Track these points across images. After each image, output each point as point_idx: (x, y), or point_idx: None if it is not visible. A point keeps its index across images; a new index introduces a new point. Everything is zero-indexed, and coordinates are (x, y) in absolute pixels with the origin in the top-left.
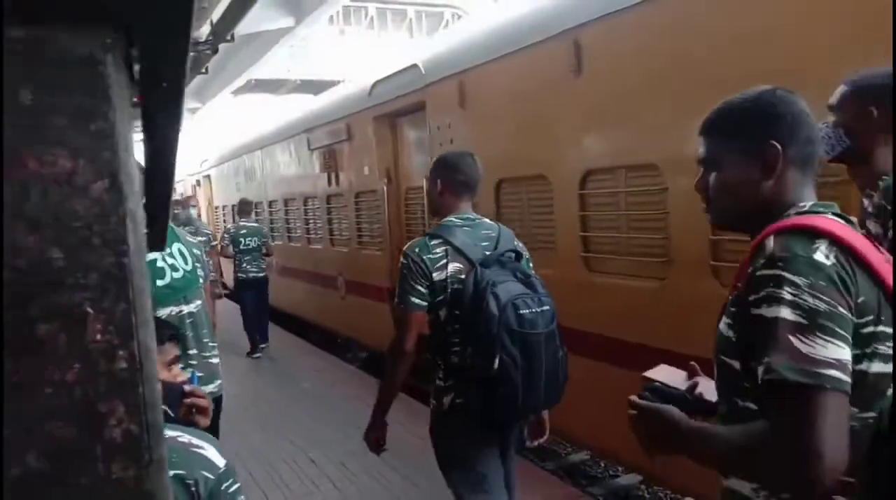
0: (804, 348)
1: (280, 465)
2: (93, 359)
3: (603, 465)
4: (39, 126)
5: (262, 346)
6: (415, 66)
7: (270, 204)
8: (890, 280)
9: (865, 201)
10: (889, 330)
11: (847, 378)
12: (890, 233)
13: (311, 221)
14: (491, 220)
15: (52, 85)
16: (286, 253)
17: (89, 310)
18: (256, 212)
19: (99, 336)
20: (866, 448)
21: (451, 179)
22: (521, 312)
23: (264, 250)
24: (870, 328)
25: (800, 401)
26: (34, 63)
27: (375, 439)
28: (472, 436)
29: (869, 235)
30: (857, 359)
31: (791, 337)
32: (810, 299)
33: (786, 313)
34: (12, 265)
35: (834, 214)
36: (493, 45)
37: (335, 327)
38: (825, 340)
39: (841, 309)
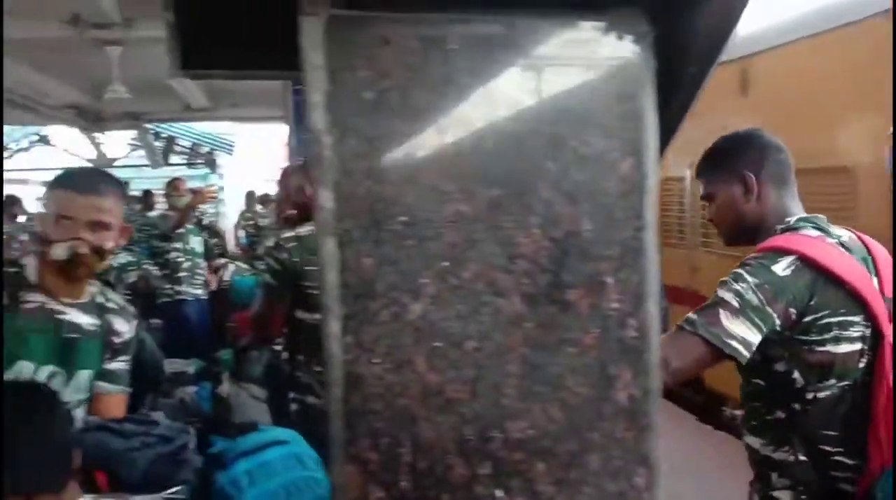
0: (726, 323)
1: None
2: (608, 325)
3: None
4: (578, 108)
5: None
6: None
7: None
8: (854, 281)
9: None
10: (852, 319)
11: (744, 352)
12: None
13: None
14: None
15: (590, 69)
16: None
17: (608, 279)
18: None
19: (615, 305)
20: (846, 407)
21: None
22: None
23: None
24: (825, 319)
25: (695, 343)
26: (577, 48)
27: None
28: None
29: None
30: (820, 343)
31: (722, 312)
32: (750, 294)
33: (728, 297)
34: (550, 235)
35: (814, 226)
36: (791, 27)
37: None
38: (744, 324)
39: (769, 309)
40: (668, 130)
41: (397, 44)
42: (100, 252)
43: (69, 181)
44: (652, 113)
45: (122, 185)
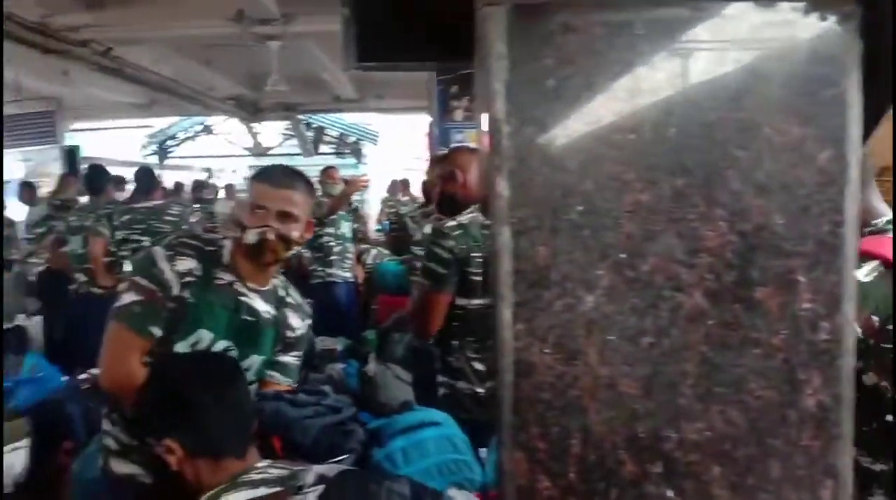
0: None
1: None
2: (798, 326)
3: None
4: (773, 94)
5: None
6: None
7: None
8: None
9: None
10: None
11: None
12: None
13: None
14: None
15: (788, 52)
16: None
17: (801, 278)
18: None
19: (806, 305)
20: None
21: None
22: None
23: None
24: None
25: None
26: (773, 30)
27: None
28: None
29: None
30: None
31: None
32: None
33: None
34: (738, 229)
35: None
36: None
37: None
38: None
39: None
40: (872, 118)
41: (581, 30)
42: (286, 240)
43: (265, 175)
44: (856, 100)
45: (311, 183)
